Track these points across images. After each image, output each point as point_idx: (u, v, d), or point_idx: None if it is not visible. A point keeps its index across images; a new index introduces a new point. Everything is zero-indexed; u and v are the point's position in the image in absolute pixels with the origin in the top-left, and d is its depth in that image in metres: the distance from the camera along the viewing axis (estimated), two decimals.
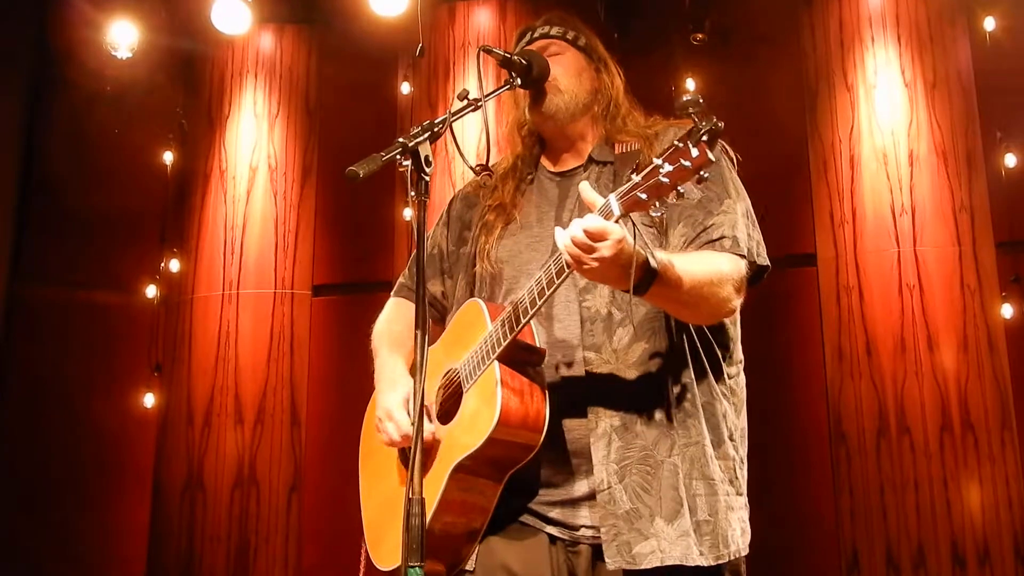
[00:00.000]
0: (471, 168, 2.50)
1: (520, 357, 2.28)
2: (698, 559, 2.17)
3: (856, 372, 5.29)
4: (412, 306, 2.66)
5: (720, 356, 2.38)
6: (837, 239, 5.50)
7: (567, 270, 2.10)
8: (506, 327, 2.24)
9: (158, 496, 6.04)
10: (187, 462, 5.92)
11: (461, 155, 2.38)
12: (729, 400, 2.37)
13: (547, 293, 2.15)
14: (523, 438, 2.22)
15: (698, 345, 2.34)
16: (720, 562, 2.21)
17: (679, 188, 1.93)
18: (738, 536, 2.28)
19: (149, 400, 6.28)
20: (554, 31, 2.58)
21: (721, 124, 1.91)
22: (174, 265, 6.38)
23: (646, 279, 2.07)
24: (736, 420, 2.38)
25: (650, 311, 2.31)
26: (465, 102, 2.30)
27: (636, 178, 1.98)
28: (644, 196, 1.97)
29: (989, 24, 5.71)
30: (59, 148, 6.75)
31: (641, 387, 2.27)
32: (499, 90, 2.44)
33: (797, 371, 5.95)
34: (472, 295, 2.51)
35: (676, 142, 1.92)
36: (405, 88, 6.27)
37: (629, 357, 2.29)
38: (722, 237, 2.31)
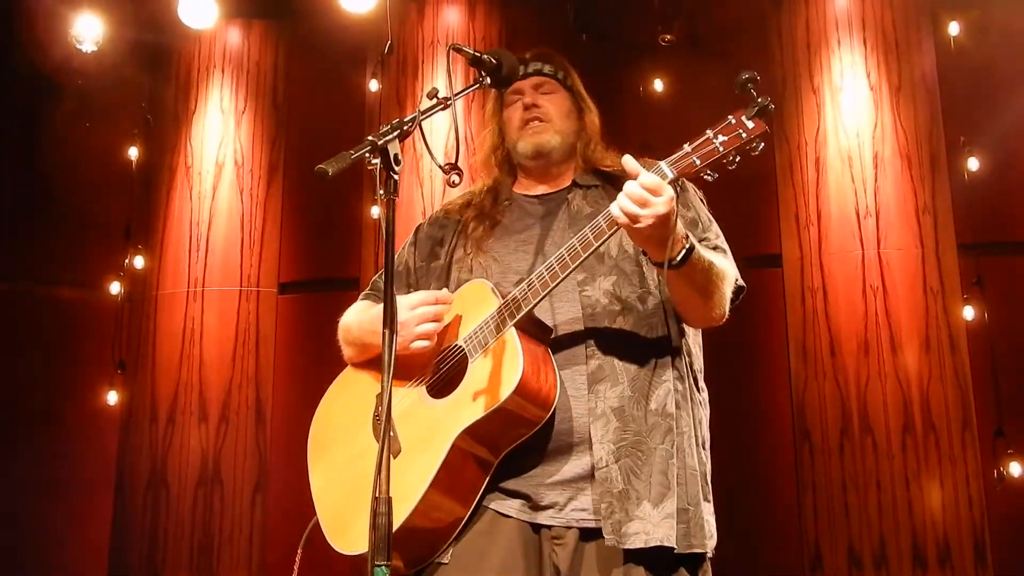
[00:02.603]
0: (439, 167, 2.49)
1: (533, 332, 2.31)
2: (674, 543, 2.23)
3: (820, 372, 5.33)
4: (372, 303, 2.69)
5: (697, 368, 2.49)
6: (802, 240, 5.54)
7: (607, 232, 2.19)
8: (528, 294, 2.28)
9: (121, 494, 5.99)
10: (150, 460, 5.87)
11: (430, 154, 2.37)
12: (704, 408, 2.48)
13: (582, 256, 2.23)
14: (531, 412, 2.25)
15: (683, 352, 2.43)
16: (691, 551, 2.27)
17: (735, 157, 2.11)
18: (712, 531, 2.36)
19: (112, 397, 6.22)
20: (547, 69, 2.67)
21: (772, 106, 2.12)
22: (139, 262, 6.33)
23: (686, 251, 2.18)
24: (707, 430, 2.48)
25: (649, 306, 2.39)
26: (434, 101, 2.30)
27: (687, 148, 2.14)
28: (698, 161, 2.12)
29: (954, 29, 5.78)
30: (23, 142, 6.67)
31: (638, 375, 2.34)
32: (468, 89, 2.46)
33: (762, 371, 5.99)
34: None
35: (729, 118, 2.12)
36: (373, 85, 6.25)
37: (629, 345, 2.36)
38: (717, 247, 2.46)
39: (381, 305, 2.54)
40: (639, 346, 2.36)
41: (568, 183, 2.62)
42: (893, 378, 5.18)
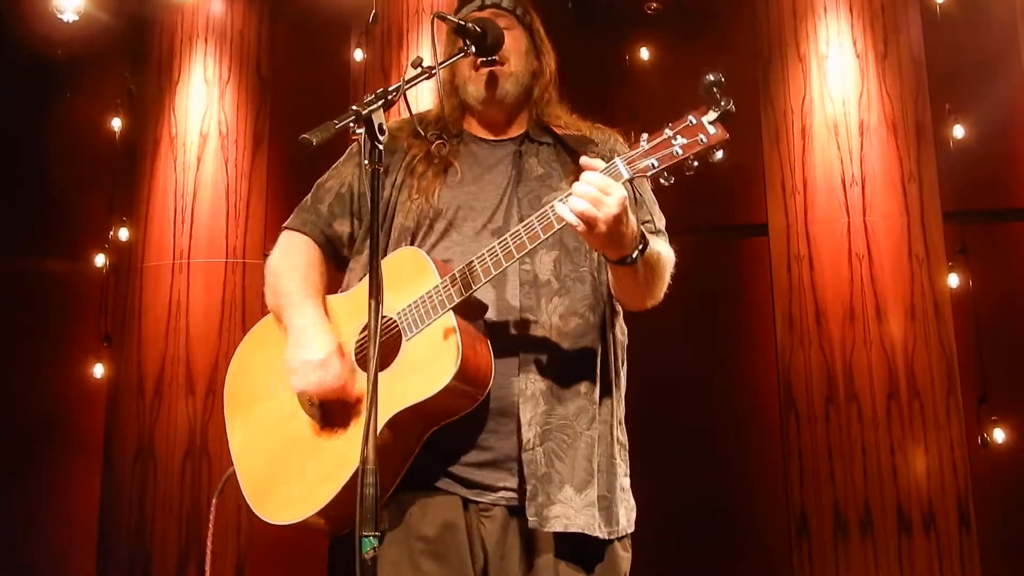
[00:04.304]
0: (425, 136, 2.49)
1: (468, 310, 2.27)
2: (597, 531, 2.25)
3: (806, 340, 5.36)
4: (309, 242, 2.56)
5: (622, 340, 2.47)
6: (788, 209, 5.55)
7: (555, 227, 2.13)
8: (467, 277, 2.22)
9: (109, 466, 6.00)
10: (137, 432, 5.87)
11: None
12: (621, 389, 2.45)
13: (527, 247, 2.17)
14: (470, 393, 2.22)
15: (615, 331, 2.42)
16: (611, 537, 2.29)
17: (693, 162, 2.04)
18: (628, 514, 2.38)
19: (99, 370, 6.21)
20: (505, 2, 2.55)
21: (734, 109, 2.04)
22: (123, 233, 6.30)
23: (640, 251, 2.16)
24: (623, 405, 2.46)
25: (586, 287, 2.37)
26: (419, 70, 2.29)
27: (645, 145, 2.08)
28: (656, 163, 2.06)
29: None
30: (3, 114, 6.62)
31: (569, 358, 2.32)
32: (453, 58, 2.43)
33: (748, 339, 6.02)
34: (390, 243, 2.44)
35: (690, 118, 2.05)
36: (358, 55, 6.22)
37: (563, 327, 2.33)
38: (659, 231, 2.44)
39: (303, 281, 2.45)
40: (572, 327, 2.33)
41: (521, 131, 2.54)
42: (878, 345, 5.21)
